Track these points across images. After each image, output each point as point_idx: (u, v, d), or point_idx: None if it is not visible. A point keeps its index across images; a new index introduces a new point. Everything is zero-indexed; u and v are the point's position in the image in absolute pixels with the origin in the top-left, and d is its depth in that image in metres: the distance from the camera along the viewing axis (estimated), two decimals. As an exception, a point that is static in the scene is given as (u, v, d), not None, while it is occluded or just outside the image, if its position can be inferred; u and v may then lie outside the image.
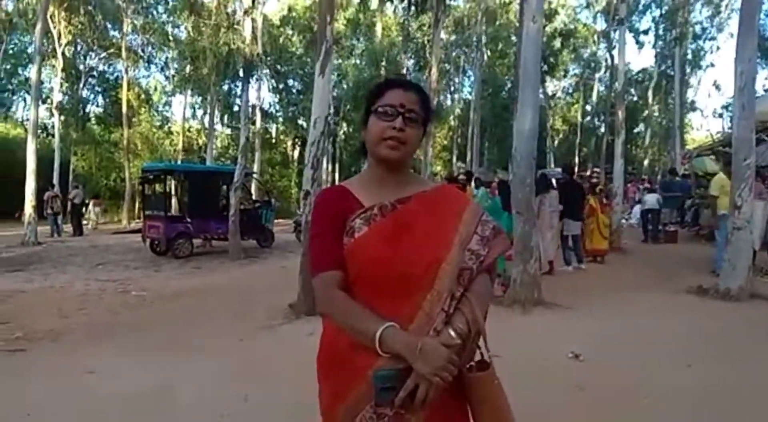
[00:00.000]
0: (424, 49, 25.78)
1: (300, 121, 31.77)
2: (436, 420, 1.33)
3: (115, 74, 30.66)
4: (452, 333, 1.31)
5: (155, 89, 32.85)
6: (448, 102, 35.07)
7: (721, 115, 36.32)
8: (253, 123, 27.69)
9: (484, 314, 1.39)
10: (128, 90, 26.97)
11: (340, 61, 29.70)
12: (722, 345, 4.93)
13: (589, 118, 38.97)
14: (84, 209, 20.83)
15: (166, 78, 30.31)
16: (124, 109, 26.02)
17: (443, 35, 24.52)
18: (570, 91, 39.52)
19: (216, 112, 24.16)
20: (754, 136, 7.19)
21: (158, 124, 33.68)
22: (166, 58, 28.20)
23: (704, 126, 37.46)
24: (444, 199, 1.51)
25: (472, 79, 30.77)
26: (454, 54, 30.63)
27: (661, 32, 29.99)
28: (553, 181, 10.20)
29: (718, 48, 31.42)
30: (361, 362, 1.32)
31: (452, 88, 35.35)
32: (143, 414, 3.54)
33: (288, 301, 6.48)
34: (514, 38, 24.57)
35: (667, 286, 7.55)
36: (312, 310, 6.11)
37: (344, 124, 31.33)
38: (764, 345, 4.99)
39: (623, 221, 13.59)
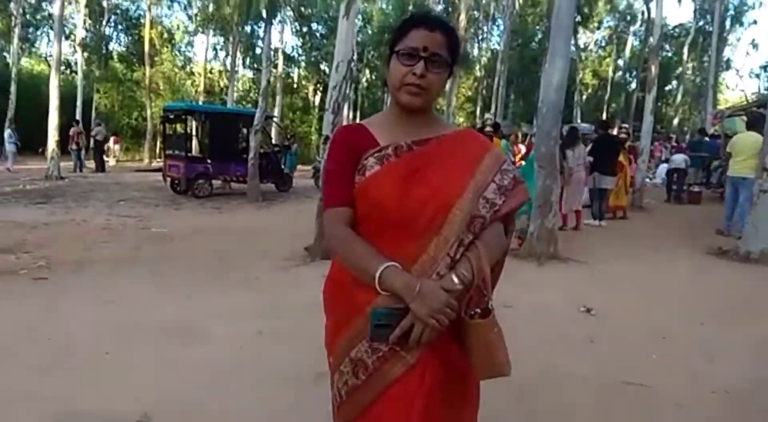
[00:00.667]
0: (454, -6, 24.97)
1: (322, 66, 31.32)
2: (431, 360, 1.32)
3: (138, 12, 30.36)
4: (455, 278, 1.29)
5: (178, 28, 32.50)
6: (475, 51, 34.13)
7: (758, 76, 35.05)
8: (275, 66, 27.40)
9: (491, 263, 1.36)
10: (151, 28, 26.71)
11: (365, 4, 28.94)
12: (737, 305, 4.89)
13: (620, 73, 37.75)
14: (105, 146, 21.03)
15: (189, 17, 29.93)
16: (147, 47, 25.85)
17: (474, -20, 23.66)
18: (603, 44, 38.12)
19: (238, 53, 23.86)
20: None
21: (180, 64, 33.47)
22: (189, -3, 27.74)
23: (739, 86, 36.17)
24: (464, 144, 1.45)
25: (502, 28, 29.77)
26: (483, 1, 29.59)
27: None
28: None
29: (761, 3, 29.78)
30: (362, 297, 1.32)
31: (480, 37, 34.33)
32: (164, 343, 3.64)
33: (304, 245, 6.54)
34: (547, -14, 23.65)
35: (687, 246, 7.47)
36: (327, 254, 6.18)
37: (367, 71, 30.81)
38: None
39: (647, 180, 13.34)
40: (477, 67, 33.90)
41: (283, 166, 14.67)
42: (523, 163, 9.91)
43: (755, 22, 40.96)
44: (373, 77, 33.69)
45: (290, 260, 6.14)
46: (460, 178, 1.37)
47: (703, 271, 6.28)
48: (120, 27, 31.19)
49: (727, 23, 30.27)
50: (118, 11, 29.83)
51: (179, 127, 14.46)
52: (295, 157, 15.20)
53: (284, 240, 7.17)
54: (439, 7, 26.55)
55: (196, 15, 27.90)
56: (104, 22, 28.66)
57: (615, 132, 12.34)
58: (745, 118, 15.44)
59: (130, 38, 31.41)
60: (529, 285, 5.24)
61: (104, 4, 28.32)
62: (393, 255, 1.29)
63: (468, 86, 35.70)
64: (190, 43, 34.68)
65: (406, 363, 1.30)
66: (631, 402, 2.99)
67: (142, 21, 28.37)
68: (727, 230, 8.51)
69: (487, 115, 18.75)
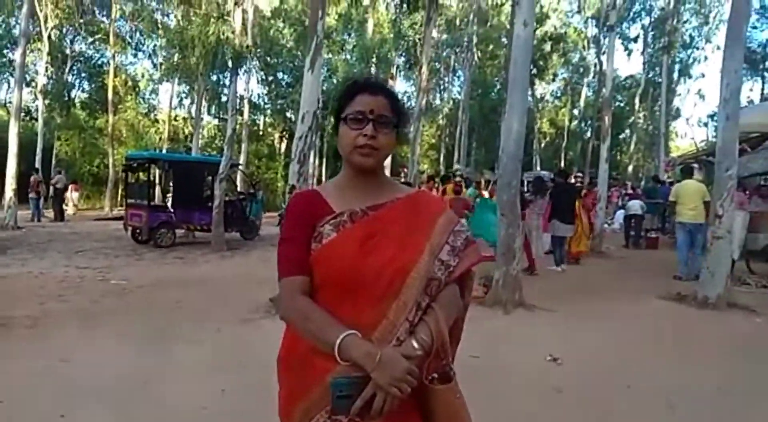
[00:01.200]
0: (416, 48, 25.76)
1: (288, 114, 31.57)
2: None
3: (102, 60, 30.25)
4: (415, 343, 1.29)
5: (142, 76, 32.46)
6: (438, 101, 35.11)
7: (705, 124, 36.91)
8: (241, 114, 27.52)
9: (449, 325, 1.37)
10: (115, 76, 26.62)
11: (330, 55, 29.57)
12: (699, 352, 5.01)
13: (576, 122, 39.27)
14: (65, 194, 20.54)
15: (154, 65, 29.94)
16: (110, 95, 25.69)
17: (435, 34, 24.48)
18: (558, 94, 39.80)
19: (203, 102, 23.91)
20: (737, 147, 7.29)
21: (144, 111, 33.27)
22: (155, 45, 27.84)
23: (689, 134, 37.96)
24: (418, 207, 1.47)
25: (462, 79, 30.80)
26: (444, 53, 30.64)
27: (650, 40, 30.39)
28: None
29: (705, 58, 31.77)
30: (320, 366, 1.30)
31: (442, 87, 35.39)
32: (121, 404, 3.50)
33: (269, 295, 6.44)
34: (504, 40, 24.70)
35: (647, 292, 7.63)
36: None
37: (332, 119, 31.15)
38: (739, 352, 5.08)
39: (606, 225, 13.72)
40: (440, 117, 34.77)
41: (254, 215, 14.55)
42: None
43: (703, 75, 43.66)
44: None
45: (254, 312, 6.03)
46: (416, 241, 1.39)
47: (663, 317, 6.42)
48: (83, 74, 30.99)
49: (675, 75, 31.99)
50: (81, 59, 29.69)
51: (142, 176, 14.27)
52: (261, 205, 15.09)
53: (249, 291, 7.06)
54: (401, 59, 27.41)
55: (161, 64, 28.01)
56: (67, 70, 28.44)
57: (571, 180, 12.81)
58: (697, 165, 16.20)
59: (93, 85, 31.18)
60: (496, 334, 5.26)
61: (67, 51, 28.18)
62: (352, 323, 1.28)
63: (431, 134, 36.51)
64: (154, 91, 34.62)
65: None
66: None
67: (105, 69, 28.27)
68: (684, 275, 8.80)
69: (456, 166, 19.24)
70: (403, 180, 13.00)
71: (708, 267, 7.08)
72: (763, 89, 33.42)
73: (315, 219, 1.39)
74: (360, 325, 1.28)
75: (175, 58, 21.73)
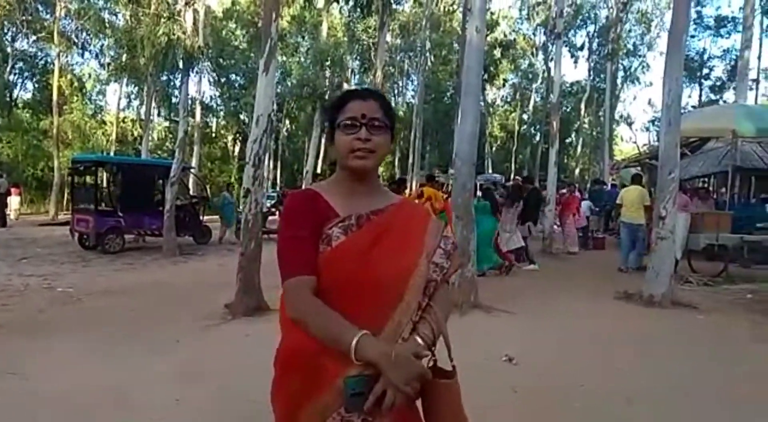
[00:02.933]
0: (370, 52, 25.90)
1: (242, 116, 31.19)
2: None
3: (46, 59, 29.09)
4: (419, 339, 1.37)
5: (89, 77, 31.38)
6: (392, 105, 35.28)
7: (647, 129, 38.44)
8: (193, 116, 26.97)
9: (446, 321, 1.48)
10: (60, 76, 25.63)
11: (284, 58, 29.35)
12: (648, 350, 5.22)
13: (525, 126, 40.24)
14: (6, 199, 19.64)
15: (101, 65, 29.02)
16: (55, 96, 24.72)
17: (388, 39, 24.69)
18: (508, 99, 40.78)
19: (153, 103, 23.32)
20: (678, 151, 7.63)
21: (91, 113, 32.16)
22: (102, 45, 26.97)
23: (632, 138, 39.48)
24: (412, 213, 1.58)
25: (416, 83, 31.10)
26: (398, 58, 30.89)
27: (594, 47, 31.46)
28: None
29: (648, 65, 33.15)
30: (330, 368, 1.33)
31: (396, 92, 35.64)
32: (68, 418, 3.38)
33: (225, 301, 6.35)
34: (456, 45, 25.06)
35: (596, 291, 7.90)
36: (249, 311, 6.03)
37: (287, 122, 30.96)
38: (685, 349, 5.32)
39: (555, 227, 14.12)
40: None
41: (201, 218, 14.27)
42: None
43: (651, 83, 45.77)
44: (294, 127, 33.88)
45: (210, 319, 5.91)
46: (415, 245, 1.47)
47: (613, 316, 6.64)
48: (26, 74, 29.73)
49: (619, 81, 33.20)
50: (24, 57, 28.46)
51: (89, 179, 13.80)
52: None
53: (203, 297, 6.94)
54: (356, 63, 27.44)
55: (108, 64, 27.16)
56: (8, 68, 27.22)
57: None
58: (639, 168, 16.85)
59: (37, 85, 29.96)
60: (453, 335, 5.31)
61: (8, 49, 26.98)
62: (361, 324, 1.32)
63: (386, 137, 36.60)
64: (101, 92, 33.59)
65: None
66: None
67: (50, 68, 27.18)
68: (626, 268, 9.90)
69: (436, 171, 19.55)
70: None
71: (653, 267, 7.38)
72: (700, 96, 35.14)
73: (322, 219, 1.42)
74: (367, 327, 1.32)
75: (124, 58, 21.20)
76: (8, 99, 27.59)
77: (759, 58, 25.55)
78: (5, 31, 26.12)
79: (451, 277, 1.58)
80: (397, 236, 1.46)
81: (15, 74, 28.89)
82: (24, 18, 24.12)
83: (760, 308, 7.09)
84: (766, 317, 6.51)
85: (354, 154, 1.43)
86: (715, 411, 3.74)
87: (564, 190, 14.97)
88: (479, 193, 10.75)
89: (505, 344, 5.09)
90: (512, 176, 31.03)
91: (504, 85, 38.01)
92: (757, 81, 26.54)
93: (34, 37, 26.89)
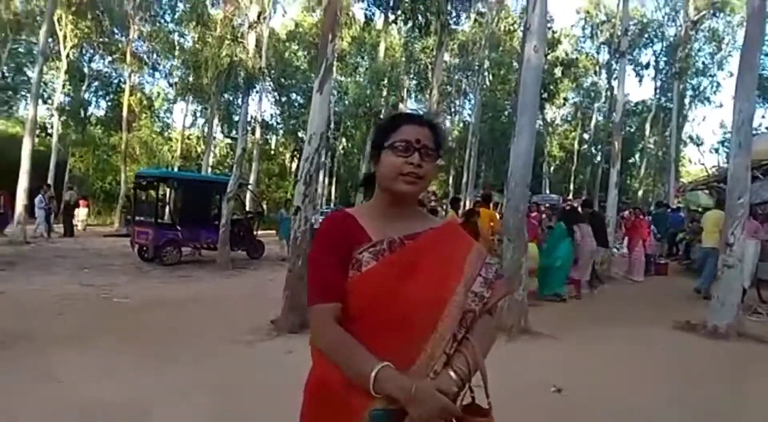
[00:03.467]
0: (426, 71, 25.99)
1: (300, 134, 31.86)
2: None
3: (119, 78, 30.77)
4: (452, 374, 1.30)
5: (158, 95, 32.94)
6: (448, 123, 35.23)
7: (717, 150, 36.69)
8: (253, 133, 27.76)
9: (485, 356, 1.39)
10: (130, 95, 27.00)
11: (342, 78, 29.87)
12: (707, 385, 4.86)
13: (586, 146, 39.23)
14: (75, 210, 20.71)
15: (170, 85, 30.41)
16: (125, 113, 26.03)
17: (446, 58, 24.71)
18: (569, 118, 39.86)
19: (216, 121, 24.23)
20: (749, 175, 7.19)
21: (158, 129, 33.69)
22: (170, 65, 28.29)
23: (700, 160, 37.71)
24: (450, 238, 1.49)
25: (473, 102, 30.92)
26: (456, 77, 30.85)
27: (661, 66, 30.41)
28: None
29: (718, 84, 31.71)
30: (356, 402, 1.28)
31: (452, 110, 35.56)
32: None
33: (272, 317, 6.38)
34: (516, 64, 24.80)
35: (655, 320, 7.48)
36: (294, 328, 6.04)
37: (343, 140, 31.40)
38: (748, 386, 4.93)
39: (615, 251, 13.57)
40: (450, 138, 34.85)
41: (255, 233, 14.56)
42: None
43: (722, 105, 43.80)
44: (350, 145, 34.33)
45: (255, 334, 5.96)
46: (452, 273, 1.40)
47: (672, 347, 6.26)
48: (100, 92, 31.49)
49: (687, 101, 31.92)
50: (98, 77, 30.18)
51: (150, 193, 14.36)
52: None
53: (251, 312, 7.01)
54: (413, 82, 27.59)
55: (176, 83, 28.43)
56: (84, 87, 28.92)
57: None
58: (707, 191, 16.05)
59: (109, 103, 31.67)
60: (500, 361, 5.11)
61: (85, 70, 28.67)
62: (390, 355, 1.27)
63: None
64: (169, 110, 35.20)
65: None
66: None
67: (122, 87, 28.72)
68: (702, 289, 9.55)
69: (484, 192, 19.48)
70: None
71: (718, 296, 6.94)
72: (775, 117, 33.26)
73: (351, 243, 1.38)
74: (398, 358, 1.27)
75: (190, 79, 22.15)
76: (83, 116, 29.19)
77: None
78: (83, 52, 27.75)
79: (494, 308, 1.48)
80: (433, 262, 1.39)
81: (90, 93, 30.59)
82: (100, 40, 25.57)
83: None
84: None
85: (403, 177, 1.39)
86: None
87: (626, 212, 14.39)
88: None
89: (553, 373, 4.88)
90: (572, 196, 30.26)
91: (564, 104, 37.23)
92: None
93: (109, 58, 28.47)
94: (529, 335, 6.40)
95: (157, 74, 30.32)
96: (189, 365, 4.85)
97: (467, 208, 12.81)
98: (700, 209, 18.15)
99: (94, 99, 31.56)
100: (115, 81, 30.94)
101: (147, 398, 3.95)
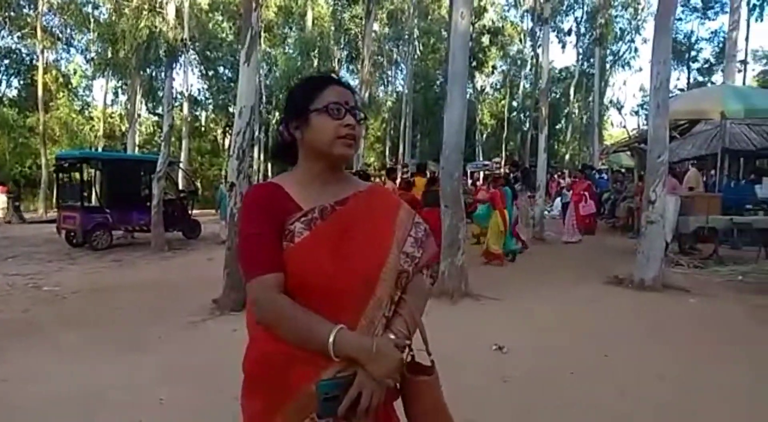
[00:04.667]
0: (357, 41, 25.67)
1: (231, 109, 30.87)
2: None
3: (31, 56, 28.69)
4: (392, 336, 1.30)
5: (75, 73, 30.99)
6: (381, 94, 35.12)
7: (637, 113, 38.47)
8: (181, 109, 26.72)
9: (421, 315, 1.39)
10: (45, 73, 25.28)
11: (271, 49, 29.08)
12: (638, 334, 5.19)
13: (515, 113, 40.16)
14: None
15: (87, 61, 28.62)
16: (40, 92, 24.40)
17: (376, 27, 24.47)
18: (498, 86, 40.59)
19: (139, 97, 23.06)
20: (667, 134, 7.59)
21: (78, 108, 31.82)
22: (86, 40, 26.58)
23: (622, 123, 39.49)
24: (378, 200, 1.47)
25: (405, 72, 30.91)
26: (387, 47, 30.66)
27: (582, 32, 31.35)
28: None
29: (636, 49, 33.07)
30: (298, 374, 1.26)
31: (385, 81, 35.43)
32: (55, 419, 3.31)
33: (213, 296, 6.27)
34: (445, 33, 24.89)
35: (587, 276, 7.87)
36: (237, 306, 5.96)
37: (276, 113, 30.72)
38: (677, 331, 5.30)
39: (546, 213, 14.08)
40: (384, 110, 34.81)
41: (190, 212, 14.13)
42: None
43: (641, 69, 45.62)
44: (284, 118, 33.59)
45: (197, 315, 5.85)
46: (384, 235, 1.38)
47: (603, 301, 6.60)
48: (11, 71, 29.27)
49: (607, 67, 33.11)
50: (8, 54, 28.00)
51: (74, 176, 13.64)
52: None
53: (191, 293, 6.86)
54: (343, 53, 27.23)
55: (93, 59, 26.80)
56: (-8, 66, 26.85)
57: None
58: (629, 152, 16.84)
59: (22, 82, 29.54)
60: (443, 325, 5.24)
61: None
62: (331, 322, 1.25)
63: (377, 127, 36.53)
64: (88, 87, 33.21)
65: None
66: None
67: (35, 64, 26.82)
68: None
69: (431, 162, 19.61)
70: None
71: (643, 251, 7.35)
72: (689, 78, 35.16)
73: (282, 214, 1.33)
74: (339, 324, 1.25)
75: (108, 53, 20.93)
76: (-7, 97, 27.25)
77: (747, 39, 25.46)
78: (-13, 27, 25.68)
79: (426, 267, 1.47)
80: (365, 226, 1.37)
81: (0, 72, 28.46)
82: (6, 14, 23.68)
83: (750, 289, 7.09)
84: (757, 298, 6.49)
85: (342, 140, 1.35)
86: (708, 398, 3.70)
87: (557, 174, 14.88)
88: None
89: (495, 332, 5.06)
90: (503, 163, 31.04)
91: (493, 72, 37.80)
92: (744, 62, 26.51)
93: (18, 34, 26.44)
94: (470, 298, 6.60)
95: (72, 50, 28.52)
96: (132, 350, 4.71)
97: (404, 177, 12.88)
98: (623, 170, 19.13)
99: (4, 78, 29.40)
100: (27, 58, 28.88)
101: (92, 387, 3.82)
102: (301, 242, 1.30)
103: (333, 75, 1.48)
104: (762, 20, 22.54)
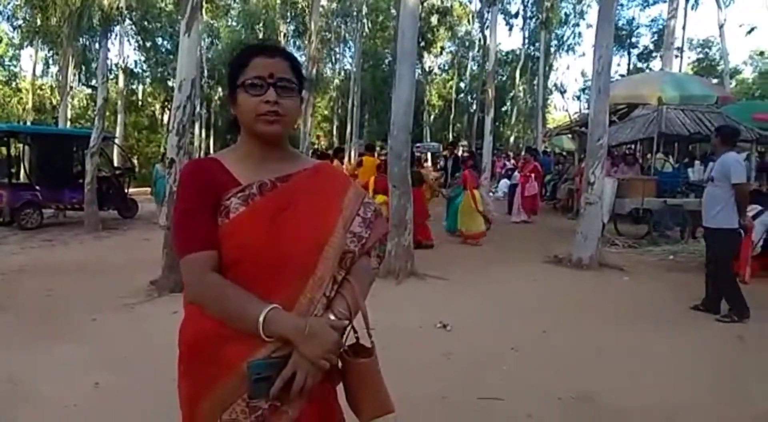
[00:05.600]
0: (304, 15, 25.10)
1: (170, 83, 29.71)
2: (313, 411, 1.26)
3: (-49, 21, 26.64)
4: (332, 317, 1.25)
5: (1, 41, 29.01)
6: (328, 72, 34.64)
7: (578, 98, 39.51)
8: (116, 82, 25.51)
9: (365, 297, 1.35)
10: (-35, 39, 23.56)
11: (213, 21, 28.09)
12: (576, 311, 5.36)
13: (462, 95, 40.52)
14: None
15: (13, 28, 26.78)
16: (-39, 60, 22.75)
17: (324, 2, 23.99)
18: (446, 67, 40.76)
19: (71, 68, 21.84)
20: (607, 118, 7.80)
21: (5, 79, 29.89)
22: (13, 5, 24.84)
23: (565, 107, 40.47)
24: (325, 178, 1.41)
25: (353, 50, 30.55)
26: (334, 23, 30.15)
27: (529, 15, 31.81)
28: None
29: (580, 34, 33.85)
30: (232, 353, 1.20)
31: (333, 58, 34.93)
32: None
33: (151, 278, 6.05)
34: (394, 11, 24.70)
35: (530, 256, 8.07)
36: (176, 287, 5.76)
37: (219, 88, 29.83)
38: (610, 308, 5.51)
39: (490, 194, 14.31)
40: (331, 88, 34.39)
41: (126, 190, 13.56)
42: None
43: (584, 53, 46.47)
44: (226, 94, 32.75)
45: (134, 297, 5.62)
46: (329, 213, 1.33)
47: (543, 280, 6.79)
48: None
49: (552, 51, 33.78)
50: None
51: (1, 151, 12.82)
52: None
53: (128, 274, 6.59)
54: (290, 28, 26.61)
55: (20, 26, 25.11)
56: None
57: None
58: (570, 135, 17.29)
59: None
60: (388, 303, 5.28)
61: None
62: (268, 301, 1.20)
63: (324, 106, 36.09)
64: (15, 57, 31.17)
65: (288, 418, 1.22)
66: (487, 418, 3.11)
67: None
68: None
69: (381, 143, 19.39)
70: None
71: (581, 231, 7.58)
72: (629, 64, 36.31)
73: (218, 190, 1.27)
74: (277, 304, 1.20)
75: (37, 21, 19.66)
76: None
77: (684, 27, 26.41)
78: None
79: (372, 248, 1.43)
80: (309, 204, 1.32)
81: None
82: None
83: (680, 268, 7.45)
84: (687, 276, 6.80)
85: (261, 118, 1.28)
86: (639, 373, 3.86)
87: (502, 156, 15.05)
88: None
89: (439, 311, 5.11)
90: (448, 145, 31.32)
91: (441, 53, 37.92)
92: (681, 50, 27.53)
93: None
94: (416, 277, 6.64)
95: (-2, 16, 26.56)
96: (66, 334, 4.49)
97: (352, 158, 12.81)
98: (564, 152, 19.66)
99: None
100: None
101: (21, 374, 3.62)
102: (236, 217, 1.25)
103: (263, 44, 1.43)
104: (696, 9, 23.45)
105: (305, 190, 1.34)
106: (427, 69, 36.29)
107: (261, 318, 1.16)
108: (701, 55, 36.23)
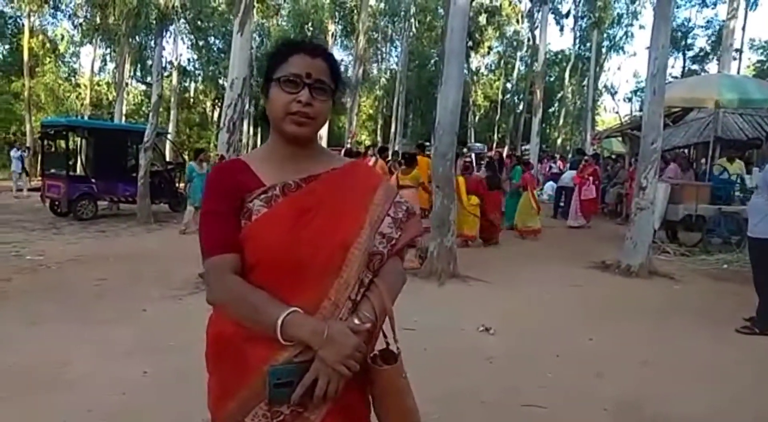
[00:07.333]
0: (352, 15, 25.28)
1: (221, 81, 30.46)
2: (337, 418, 1.22)
3: (16, 19, 27.94)
4: (356, 321, 1.21)
5: (62, 38, 30.30)
6: (375, 71, 34.77)
7: (630, 99, 38.43)
8: (170, 80, 26.27)
9: (394, 301, 1.30)
10: (31, 37, 24.67)
11: (264, 21, 28.60)
12: (622, 318, 5.21)
13: (509, 95, 39.96)
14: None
15: (74, 26, 27.96)
16: (26, 57, 23.85)
17: (372, 2, 24.09)
18: (492, 68, 40.26)
19: (127, 66, 22.62)
20: (662, 120, 7.55)
21: (65, 75, 31.18)
22: (75, 4, 25.92)
23: (615, 108, 39.41)
24: (355, 178, 1.37)
25: (400, 49, 30.55)
26: (382, 23, 30.24)
27: (580, 15, 31.12)
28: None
29: (632, 35, 32.89)
30: (254, 356, 1.19)
31: (380, 58, 35.03)
32: (36, 389, 3.25)
33: (199, 270, 6.19)
34: (441, 11, 24.55)
35: (575, 261, 7.89)
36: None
37: (261, 81, 30.36)
38: (658, 317, 5.33)
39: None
40: (377, 87, 34.51)
41: (177, 185, 13.96)
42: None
43: (635, 53, 44.95)
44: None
45: (182, 288, 5.78)
46: (356, 214, 1.28)
47: (590, 287, 6.62)
48: (-4, 34, 28.56)
49: (603, 51, 32.96)
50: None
51: (60, 144, 13.40)
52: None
53: (177, 266, 6.77)
54: (339, 27, 26.84)
55: (81, 24, 26.18)
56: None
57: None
58: (620, 138, 16.83)
59: (7, 47, 28.83)
60: (431, 305, 5.28)
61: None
62: (291, 305, 1.18)
63: (369, 105, 36.26)
64: (75, 54, 32.48)
65: None
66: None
67: (21, 28, 26.14)
68: None
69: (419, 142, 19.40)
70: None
71: (631, 237, 7.36)
72: (684, 66, 35.11)
73: (242, 192, 1.25)
74: (300, 307, 1.18)
75: (97, 19, 20.43)
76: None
77: (744, 28, 25.39)
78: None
79: (403, 249, 1.37)
80: (334, 204, 1.28)
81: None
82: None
83: (734, 278, 7.13)
84: (741, 287, 6.52)
85: (291, 117, 1.25)
86: (686, 382, 3.72)
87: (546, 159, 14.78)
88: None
89: (482, 314, 5.05)
90: (495, 145, 30.98)
91: (489, 53, 37.48)
92: (740, 51, 26.44)
93: (3, -5, 25.77)
94: (458, 279, 6.59)
95: (60, 14, 27.76)
96: (116, 322, 4.65)
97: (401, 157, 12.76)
98: (613, 156, 19.15)
99: (-11, 41, 28.70)
100: (12, 21, 28.12)
101: (74, 359, 3.76)
102: (257, 220, 1.23)
103: (305, 41, 1.35)
104: (755, 9, 22.43)
105: (332, 190, 1.30)
106: (473, 69, 35.98)
107: (279, 322, 1.14)
108: (762, 57, 34.67)
